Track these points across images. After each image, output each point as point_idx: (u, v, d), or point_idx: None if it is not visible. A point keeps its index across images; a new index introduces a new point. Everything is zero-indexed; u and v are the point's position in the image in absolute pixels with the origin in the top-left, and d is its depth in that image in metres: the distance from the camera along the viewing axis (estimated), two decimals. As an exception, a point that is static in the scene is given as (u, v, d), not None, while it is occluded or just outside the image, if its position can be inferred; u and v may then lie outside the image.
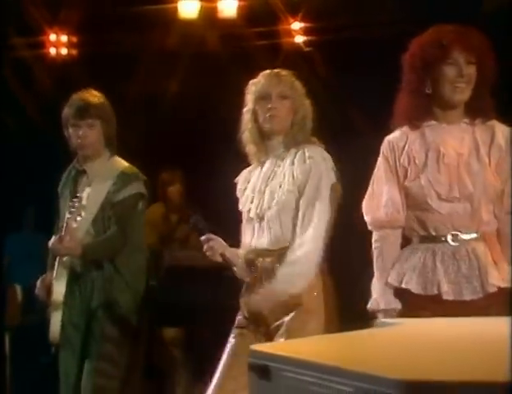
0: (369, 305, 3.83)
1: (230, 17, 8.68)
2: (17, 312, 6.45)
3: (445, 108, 3.83)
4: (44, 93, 8.75)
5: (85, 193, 4.86)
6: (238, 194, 4.38)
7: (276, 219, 4.13)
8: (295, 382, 1.99)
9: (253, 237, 4.22)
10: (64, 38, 9.29)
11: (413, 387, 1.76)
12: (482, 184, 3.72)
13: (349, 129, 8.25)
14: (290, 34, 9.13)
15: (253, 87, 4.26)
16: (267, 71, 4.29)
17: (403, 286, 3.78)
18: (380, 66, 8.19)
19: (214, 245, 4.22)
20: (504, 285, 3.63)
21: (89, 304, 4.87)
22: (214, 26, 8.72)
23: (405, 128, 3.88)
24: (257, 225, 4.21)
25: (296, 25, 9.06)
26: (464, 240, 3.73)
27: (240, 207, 4.34)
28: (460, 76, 3.75)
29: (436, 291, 3.70)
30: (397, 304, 3.80)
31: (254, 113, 4.23)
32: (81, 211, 4.80)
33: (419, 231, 3.80)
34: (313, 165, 4.12)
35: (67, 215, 4.85)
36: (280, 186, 4.16)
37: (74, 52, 9.38)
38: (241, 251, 4.26)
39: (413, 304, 3.76)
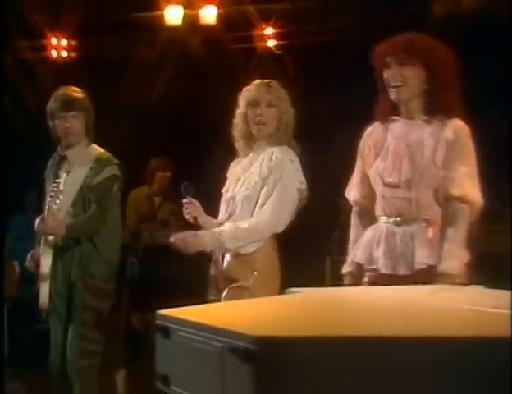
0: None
1: (211, 24, 8.63)
2: (14, 285, 6.44)
3: (400, 106, 3.81)
4: (45, 90, 8.68)
5: (63, 178, 4.89)
6: (229, 178, 4.43)
7: (241, 203, 4.19)
8: (186, 340, 2.05)
9: (226, 214, 4.28)
10: (64, 41, 9.27)
11: (263, 341, 1.78)
12: (421, 173, 3.68)
13: (318, 124, 8.28)
14: (263, 38, 9.14)
15: (246, 93, 4.29)
16: (259, 81, 4.33)
17: (355, 259, 3.83)
18: (343, 67, 8.28)
19: (191, 208, 4.27)
20: (433, 263, 3.60)
21: (70, 276, 4.84)
22: (196, 31, 8.68)
23: (377, 122, 3.91)
24: (230, 205, 4.26)
25: (268, 31, 9.08)
26: (404, 222, 3.71)
27: (223, 190, 4.39)
28: (394, 78, 3.73)
29: (375, 266, 3.72)
30: (347, 269, 3.87)
31: (245, 116, 4.26)
32: (59, 194, 4.82)
33: (376, 213, 3.82)
34: (278, 164, 4.16)
35: (48, 198, 4.86)
36: (253, 177, 4.21)
37: (73, 54, 9.34)
38: (215, 221, 4.30)
39: (360, 275, 3.81)
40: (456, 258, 3.56)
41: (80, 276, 4.84)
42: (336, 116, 8.63)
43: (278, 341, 1.82)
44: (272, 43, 9.11)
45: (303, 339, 1.85)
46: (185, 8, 8.60)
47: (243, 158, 4.40)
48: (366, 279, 3.77)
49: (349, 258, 3.88)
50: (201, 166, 7.52)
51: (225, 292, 4.04)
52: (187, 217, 4.33)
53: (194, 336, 2.03)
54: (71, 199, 4.89)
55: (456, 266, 3.54)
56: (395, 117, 3.83)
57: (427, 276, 3.51)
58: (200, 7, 8.63)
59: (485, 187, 3.79)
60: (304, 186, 4.18)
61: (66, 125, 4.93)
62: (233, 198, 4.29)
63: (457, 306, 2.40)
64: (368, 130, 3.94)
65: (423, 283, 3.30)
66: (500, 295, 2.76)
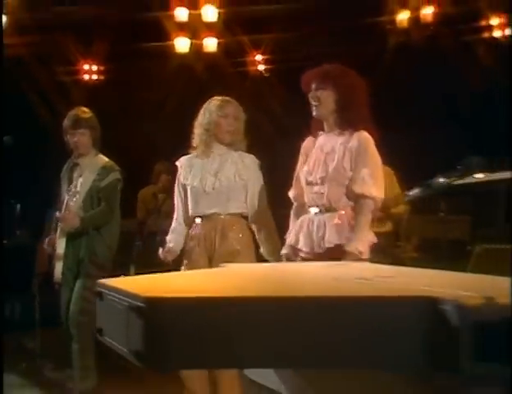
0: None
1: (212, 51, 8.69)
2: (45, 261, 6.56)
3: (323, 122, 3.91)
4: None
5: (79, 181, 5.05)
6: (182, 173, 4.45)
7: (224, 195, 4.26)
8: (110, 301, 2.10)
9: (207, 204, 4.31)
10: (94, 67, 9.38)
11: (150, 301, 1.81)
12: (332, 174, 3.76)
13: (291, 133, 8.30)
14: (254, 63, 9.18)
15: (214, 107, 4.35)
16: (227, 98, 4.42)
17: (289, 242, 3.92)
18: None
19: (168, 256, 4.37)
20: (339, 242, 3.68)
21: (79, 255, 5.00)
22: (200, 58, 8.72)
23: (310, 136, 4.02)
24: (209, 198, 4.30)
25: (259, 57, 9.13)
26: (320, 212, 3.79)
27: (186, 182, 4.40)
28: (313, 99, 3.84)
29: (299, 246, 3.82)
30: (284, 251, 3.95)
31: (217, 126, 4.31)
32: (76, 194, 5.00)
33: (306, 205, 3.92)
34: (251, 164, 4.34)
35: (66, 196, 5.02)
36: (232, 175, 4.29)
37: (101, 77, 9.44)
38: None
39: (293, 253, 3.90)
40: (360, 241, 3.64)
41: (87, 256, 5.00)
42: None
43: (161, 300, 1.82)
44: (261, 67, 9.16)
45: (183, 299, 1.86)
46: (191, 39, 8.64)
47: (200, 158, 4.40)
48: (295, 257, 3.85)
49: (286, 243, 3.96)
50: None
51: None
52: (165, 261, 4.38)
53: (114, 298, 2.06)
54: (82, 197, 5.05)
55: (360, 247, 3.63)
56: (321, 132, 3.93)
57: (335, 253, 3.60)
58: (204, 38, 8.65)
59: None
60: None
61: (75, 139, 5.08)
62: (217, 192, 4.30)
63: (337, 276, 2.48)
64: (304, 142, 4.04)
65: (332, 259, 3.42)
66: (379, 269, 2.93)
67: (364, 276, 2.38)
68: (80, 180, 5.07)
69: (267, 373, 2.54)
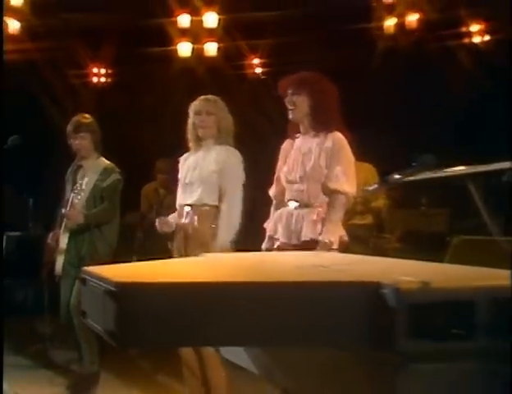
0: None
1: (213, 55, 8.71)
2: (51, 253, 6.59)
3: (300, 125, 3.97)
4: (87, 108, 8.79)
5: (84, 181, 5.15)
6: (179, 168, 4.52)
7: (200, 187, 4.28)
8: (91, 286, 2.16)
9: (186, 196, 4.37)
10: (103, 70, 9.39)
11: (119, 285, 1.86)
12: (309, 172, 3.83)
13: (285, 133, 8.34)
14: (251, 66, 9.19)
15: (192, 106, 4.44)
16: (204, 96, 4.45)
17: (268, 233, 4.01)
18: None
19: (164, 227, 4.42)
20: (314, 237, 3.73)
21: (81, 250, 5.08)
22: (202, 61, 8.71)
23: (288, 138, 4.09)
24: (189, 188, 4.35)
25: (256, 61, 9.14)
26: (299, 207, 3.86)
27: (179, 176, 4.48)
28: (289, 103, 3.92)
29: (277, 236, 3.90)
30: (265, 245, 4.02)
31: (194, 123, 4.39)
32: (81, 192, 5.09)
33: (285, 200, 3.98)
34: (228, 158, 4.30)
35: (72, 194, 5.11)
36: (207, 168, 4.29)
37: (109, 80, 9.43)
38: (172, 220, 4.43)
39: (271, 242, 3.99)
40: (332, 233, 3.69)
41: (89, 252, 5.07)
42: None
43: (131, 285, 1.88)
44: (258, 70, 9.17)
45: (150, 284, 1.91)
46: (193, 44, 8.65)
47: (192, 154, 4.46)
48: (274, 246, 3.91)
49: (266, 236, 4.03)
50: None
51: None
52: (161, 232, 4.44)
53: (94, 284, 2.11)
54: (86, 196, 5.13)
55: (332, 238, 3.68)
56: (298, 134, 4.00)
57: (310, 246, 3.66)
58: (205, 43, 8.65)
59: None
60: (244, 174, 4.30)
61: (77, 142, 5.18)
62: (191, 183, 4.34)
63: (309, 264, 2.54)
64: (283, 145, 4.11)
65: (307, 250, 3.48)
66: (343, 258, 3.00)
67: (325, 264, 2.45)
68: (86, 179, 5.16)
69: (239, 352, 2.63)
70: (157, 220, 4.41)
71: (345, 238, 3.81)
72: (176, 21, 8.46)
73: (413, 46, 7.72)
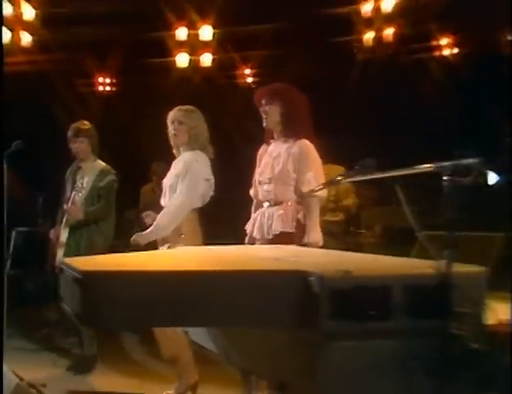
0: None
1: (208, 66, 8.69)
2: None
3: (273, 132, 4.03)
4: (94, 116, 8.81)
5: (84, 180, 5.21)
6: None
7: (170, 190, 4.29)
8: (65, 275, 2.26)
9: (163, 198, 4.39)
10: (108, 80, 9.44)
11: (84, 273, 2.00)
12: (277, 175, 3.90)
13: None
14: (243, 76, 9.19)
15: (168, 116, 4.42)
16: (180, 107, 4.40)
17: (247, 231, 4.08)
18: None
19: (148, 220, 4.34)
20: (284, 230, 3.81)
21: (80, 244, 5.15)
22: (198, 71, 8.70)
23: (264, 144, 4.15)
24: (165, 192, 4.37)
25: (248, 71, 9.15)
26: (269, 205, 3.95)
27: (164, 181, 4.46)
28: (263, 113, 3.99)
29: (253, 234, 3.99)
30: (246, 241, 4.07)
31: (169, 132, 4.38)
32: (82, 190, 5.16)
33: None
34: (187, 163, 4.24)
35: (74, 192, 5.15)
36: (174, 172, 4.29)
37: (114, 88, 9.47)
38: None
39: (251, 240, 4.05)
40: (316, 232, 3.81)
41: (87, 246, 5.13)
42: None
43: (93, 272, 2.02)
44: (250, 79, 9.19)
45: (110, 272, 2.04)
46: (190, 55, 8.63)
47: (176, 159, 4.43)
48: (254, 243, 3.97)
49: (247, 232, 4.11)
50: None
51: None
52: (147, 224, 4.35)
53: (67, 272, 2.23)
54: (85, 195, 5.20)
55: (317, 237, 3.81)
56: (272, 140, 4.07)
57: (281, 238, 3.74)
58: (201, 54, 8.65)
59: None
60: (211, 178, 4.23)
61: (76, 146, 5.26)
62: (167, 187, 4.36)
63: (267, 256, 2.67)
64: (259, 150, 4.18)
65: (277, 243, 3.56)
66: (301, 251, 3.10)
67: (281, 256, 2.60)
68: (86, 179, 5.23)
69: (203, 335, 2.74)
70: (143, 214, 4.46)
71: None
72: (174, 35, 8.48)
73: (389, 57, 7.77)
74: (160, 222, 4.09)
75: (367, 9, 7.72)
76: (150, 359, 5.33)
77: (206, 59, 8.71)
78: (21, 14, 7.86)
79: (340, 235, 5.58)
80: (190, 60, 8.68)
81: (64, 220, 5.21)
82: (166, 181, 4.40)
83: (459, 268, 2.05)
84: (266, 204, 3.98)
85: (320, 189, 3.54)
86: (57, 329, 6.21)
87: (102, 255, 2.82)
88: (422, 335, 1.93)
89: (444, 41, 7.89)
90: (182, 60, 8.70)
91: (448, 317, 1.93)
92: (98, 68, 9.26)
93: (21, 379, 3.63)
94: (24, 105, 8.15)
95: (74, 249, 5.14)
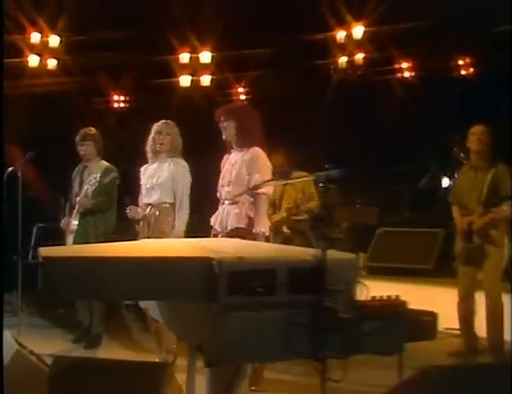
0: None
1: (207, 85, 8.89)
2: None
3: (232, 143, 4.18)
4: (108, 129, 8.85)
5: (92, 177, 5.41)
6: (141, 176, 4.74)
7: (158, 190, 4.53)
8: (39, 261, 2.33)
9: (148, 197, 4.62)
10: (122, 97, 9.60)
11: (45, 258, 2.14)
12: (234, 178, 4.05)
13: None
14: (237, 94, 9.36)
15: (155, 127, 4.69)
16: (163, 121, 4.70)
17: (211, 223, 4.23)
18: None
19: (132, 213, 4.65)
20: (238, 225, 3.96)
21: (87, 231, 5.32)
22: (198, 90, 8.89)
23: (227, 153, 4.27)
24: (150, 191, 4.60)
25: (241, 90, 9.33)
26: (228, 203, 4.09)
27: (141, 182, 4.71)
28: (222, 127, 4.16)
29: (216, 227, 4.13)
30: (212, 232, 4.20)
31: (154, 140, 4.65)
32: (95, 184, 5.38)
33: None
34: (180, 167, 4.57)
35: (87, 186, 5.36)
36: (164, 175, 4.54)
37: (127, 105, 9.64)
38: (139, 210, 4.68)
39: (214, 231, 4.16)
40: (262, 225, 3.94)
41: (93, 233, 5.30)
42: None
43: (51, 258, 2.20)
44: (242, 97, 9.33)
45: (64, 257, 2.24)
46: (192, 76, 8.81)
47: (150, 164, 4.70)
48: (216, 235, 4.11)
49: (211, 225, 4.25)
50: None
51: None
52: (130, 217, 4.66)
53: (40, 259, 2.31)
54: (92, 189, 5.38)
55: (263, 229, 3.93)
56: (232, 150, 4.23)
57: (236, 232, 3.91)
58: (201, 75, 8.81)
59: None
60: (191, 180, 4.55)
61: (83, 148, 5.45)
62: (152, 187, 4.58)
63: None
64: (224, 159, 4.33)
65: (234, 236, 3.79)
66: (234, 243, 3.29)
67: (213, 247, 2.77)
68: (93, 175, 5.42)
69: (155, 310, 2.97)
70: (127, 208, 4.66)
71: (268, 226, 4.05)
72: (178, 58, 8.70)
73: (359, 78, 7.95)
74: (181, 224, 4.47)
75: (341, 36, 7.91)
76: (145, 334, 5.48)
77: (205, 80, 8.90)
78: (47, 41, 8.14)
79: (306, 232, 5.78)
80: (192, 80, 8.88)
81: (75, 210, 5.40)
82: (152, 180, 4.59)
83: (335, 255, 2.26)
84: (226, 202, 4.14)
85: (258, 187, 3.72)
86: (71, 309, 6.29)
87: (74, 245, 3.03)
88: (301, 307, 2.14)
89: (404, 65, 8.06)
90: (185, 80, 8.90)
91: (323, 293, 2.15)
92: (113, 87, 9.48)
93: (24, 347, 3.62)
94: (49, 119, 8.38)
95: (83, 236, 5.32)
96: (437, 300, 5.22)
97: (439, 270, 5.73)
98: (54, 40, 8.17)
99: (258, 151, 4.10)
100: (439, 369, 2.06)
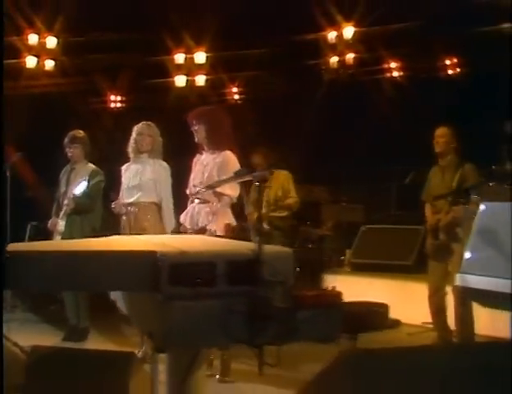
0: None
1: (202, 85, 9.04)
2: None
3: (203, 145, 4.33)
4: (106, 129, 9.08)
5: (78, 179, 5.52)
6: (122, 174, 4.90)
7: (140, 190, 4.71)
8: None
9: (129, 196, 4.77)
10: (118, 97, 9.74)
11: (12, 252, 2.32)
12: (206, 179, 4.19)
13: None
14: (231, 94, 9.54)
15: (137, 129, 4.87)
16: (145, 122, 4.89)
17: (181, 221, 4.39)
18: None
19: (116, 207, 4.81)
20: (207, 224, 4.14)
21: (73, 231, 5.41)
22: (193, 90, 9.01)
23: (198, 154, 4.44)
24: (131, 190, 4.77)
25: (235, 89, 9.51)
26: (198, 203, 4.27)
27: (123, 181, 4.87)
28: (193, 130, 4.33)
29: (185, 223, 4.31)
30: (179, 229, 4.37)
31: (136, 141, 4.82)
32: (80, 187, 5.49)
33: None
34: (162, 169, 4.76)
35: (73, 188, 5.45)
36: (146, 175, 4.72)
37: (123, 105, 9.77)
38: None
39: (183, 228, 4.33)
40: (215, 224, 4.09)
41: (79, 233, 5.36)
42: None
43: (16, 252, 2.37)
44: (236, 96, 9.53)
45: (28, 252, 2.43)
46: (187, 76, 8.96)
47: (132, 164, 4.86)
48: (185, 231, 4.28)
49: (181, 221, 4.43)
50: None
51: None
52: (115, 211, 4.84)
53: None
54: (78, 191, 5.47)
55: (215, 227, 4.08)
56: (204, 151, 4.39)
57: (204, 230, 4.11)
58: (196, 75, 8.96)
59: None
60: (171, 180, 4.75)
61: (71, 151, 5.56)
62: (133, 187, 4.76)
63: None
64: (194, 159, 4.49)
65: (202, 233, 3.98)
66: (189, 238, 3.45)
67: (165, 241, 2.92)
68: (79, 178, 5.54)
69: (120, 302, 3.15)
70: (113, 203, 4.83)
71: (233, 224, 4.23)
72: (173, 59, 8.87)
73: (349, 77, 8.10)
74: (168, 220, 4.64)
75: (332, 36, 8.07)
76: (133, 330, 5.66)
77: (200, 79, 9.06)
78: (45, 43, 8.33)
79: (285, 228, 5.96)
80: (187, 80, 9.04)
81: (62, 212, 5.53)
82: (134, 180, 4.77)
83: (271, 248, 2.44)
84: (196, 201, 4.31)
85: (212, 186, 3.90)
86: (62, 305, 6.58)
87: (44, 242, 3.20)
88: (239, 297, 2.32)
89: (393, 64, 8.21)
90: (180, 80, 9.05)
91: (259, 284, 2.33)
92: (110, 88, 9.63)
93: (8, 339, 3.84)
94: (46, 119, 8.56)
95: (68, 236, 5.41)
96: (416, 296, 5.41)
97: (419, 266, 5.89)
98: (51, 41, 8.35)
99: (229, 155, 4.25)
100: (357, 352, 2.24)
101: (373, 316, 2.60)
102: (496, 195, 4.87)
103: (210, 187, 3.65)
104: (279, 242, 5.47)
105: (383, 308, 2.63)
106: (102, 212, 5.68)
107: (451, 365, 2.12)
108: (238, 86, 9.47)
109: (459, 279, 2.50)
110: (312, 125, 8.08)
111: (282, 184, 5.87)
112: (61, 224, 5.56)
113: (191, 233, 4.17)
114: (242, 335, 2.32)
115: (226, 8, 7.95)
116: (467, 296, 2.42)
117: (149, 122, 4.89)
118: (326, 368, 2.08)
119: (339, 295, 2.46)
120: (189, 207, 4.36)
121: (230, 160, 4.24)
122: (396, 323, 5.33)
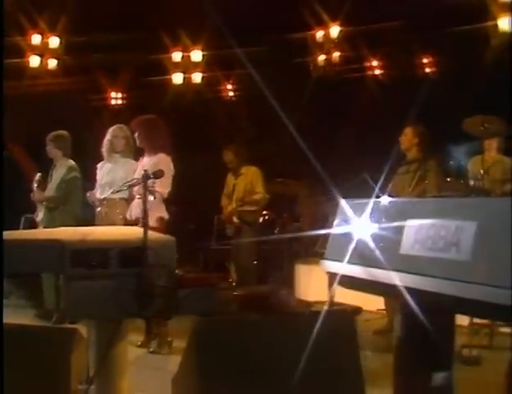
0: None
1: (199, 82, 9.42)
2: None
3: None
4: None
5: (56, 174, 6.17)
6: (97, 172, 5.38)
7: (112, 187, 5.08)
8: None
9: (102, 192, 5.24)
10: (119, 94, 10.29)
11: None
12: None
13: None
14: (226, 91, 10.06)
15: (112, 131, 5.36)
16: (119, 125, 5.37)
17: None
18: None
19: (91, 197, 5.30)
20: (137, 216, 4.62)
21: (53, 223, 5.85)
22: (189, 87, 9.45)
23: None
24: (103, 187, 5.26)
25: (230, 86, 10.03)
26: (137, 198, 4.81)
27: (97, 178, 5.35)
28: (136, 137, 4.96)
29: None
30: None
31: (110, 142, 5.32)
32: (56, 182, 6.15)
33: None
34: (132, 167, 5.16)
35: (51, 182, 6.12)
36: (117, 174, 5.18)
37: (124, 102, 10.32)
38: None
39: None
40: (151, 218, 4.16)
41: (56, 223, 5.81)
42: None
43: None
44: (231, 93, 10.04)
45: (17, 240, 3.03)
46: (183, 74, 9.37)
47: (106, 163, 5.35)
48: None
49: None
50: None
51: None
52: (90, 201, 5.32)
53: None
54: (54, 185, 6.15)
55: (151, 220, 4.28)
56: (146, 154, 4.97)
57: (137, 221, 4.58)
58: (192, 73, 9.35)
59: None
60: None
61: (47, 148, 6.19)
62: (106, 184, 5.22)
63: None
64: (139, 160, 5.10)
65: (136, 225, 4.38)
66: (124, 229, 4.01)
67: (87, 232, 3.49)
68: (57, 173, 6.18)
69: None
70: (88, 192, 5.35)
71: (165, 217, 4.77)
72: (170, 57, 9.34)
73: (336, 74, 8.56)
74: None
75: (319, 35, 8.53)
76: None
77: (196, 77, 9.49)
78: (48, 43, 8.90)
79: (254, 222, 6.47)
80: (184, 78, 9.46)
81: (43, 204, 6.17)
82: (107, 177, 5.27)
83: (158, 237, 3.01)
84: (137, 197, 4.87)
85: (119, 190, 4.47)
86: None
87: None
88: (128, 277, 2.90)
89: (375, 63, 8.65)
90: (177, 78, 9.48)
91: (144, 267, 2.91)
92: (111, 85, 10.18)
93: None
94: (49, 116, 9.16)
95: (46, 226, 5.98)
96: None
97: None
98: (54, 41, 8.91)
99: (162, 157, 4.84)
100: (203, 321, 2.80)
101: (275, 298, 3.14)
102: (453, 191, 5.34)
103: (117, 191, 4.24)
104: (248, 235, 6.00)
105: (288, 292, 3.14)
106: (80, 203, 6.19)
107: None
108: (233, 83, 9.98)
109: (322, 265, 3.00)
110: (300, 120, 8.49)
111: (251, 180, 6.37)
112: (40, 215, 6.21)
113: (132, 224, 4.66)
114: (132, 309, 2.91)
115: (220, 8, 8.41)
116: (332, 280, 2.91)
117: (122, 125, 5.39)
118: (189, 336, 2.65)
119: (217, 277, 3.02)
120: (133, 202, 4.93)
121: (161, 161, 4.75)
122: (358, 311, 5.79)
